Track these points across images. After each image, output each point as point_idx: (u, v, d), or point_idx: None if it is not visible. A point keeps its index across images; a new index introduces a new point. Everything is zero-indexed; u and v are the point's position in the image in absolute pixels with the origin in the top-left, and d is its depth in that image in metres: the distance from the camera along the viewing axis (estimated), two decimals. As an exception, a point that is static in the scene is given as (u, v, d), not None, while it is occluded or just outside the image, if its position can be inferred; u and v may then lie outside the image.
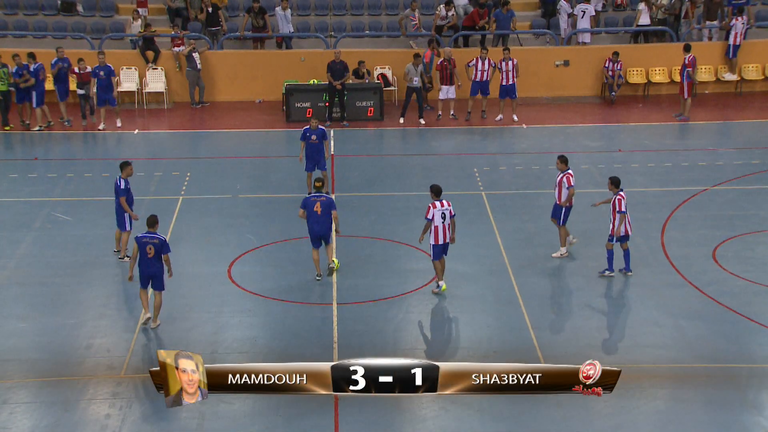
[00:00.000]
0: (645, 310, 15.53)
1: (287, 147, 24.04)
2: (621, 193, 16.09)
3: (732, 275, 16.58)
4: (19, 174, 21.14)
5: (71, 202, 19.65)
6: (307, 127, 19.68)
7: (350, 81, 25.62)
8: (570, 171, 16.96)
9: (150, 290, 14.77)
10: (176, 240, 17.30)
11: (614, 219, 16.11)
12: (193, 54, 25.75)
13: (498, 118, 25.24)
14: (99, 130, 24.16)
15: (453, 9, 27.36)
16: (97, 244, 17.57)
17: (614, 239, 16.18)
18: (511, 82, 24.92)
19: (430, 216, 15.48)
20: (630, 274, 16.40)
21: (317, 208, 15.93)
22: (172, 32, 26.69)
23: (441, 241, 15.56)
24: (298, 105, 25.08)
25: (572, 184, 16.88)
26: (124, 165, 16.77)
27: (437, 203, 15.50)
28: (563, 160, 17.02)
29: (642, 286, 16.27)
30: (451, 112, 25.39)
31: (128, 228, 16.68)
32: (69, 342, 14.42)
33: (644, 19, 27.66)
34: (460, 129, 24.89)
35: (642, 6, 27.55)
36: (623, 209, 16.00)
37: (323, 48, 27.03)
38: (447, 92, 25.09)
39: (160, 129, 24.91)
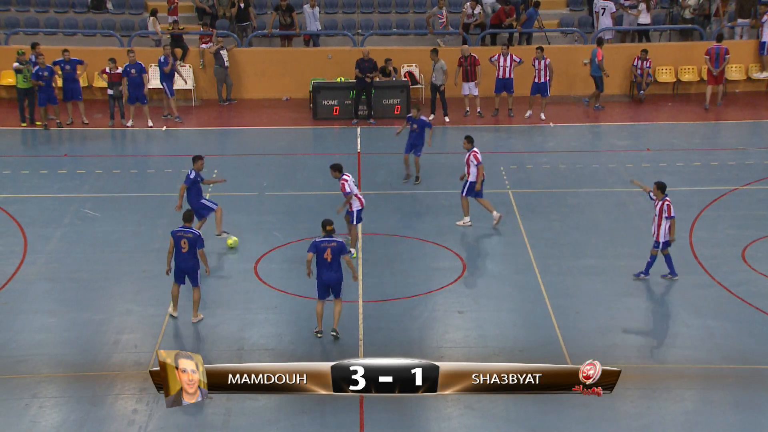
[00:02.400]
0: (673, 310, 15.43)
1: (314, 144, 24.10)
2: (667, 198, 15.85)
3: (762, 275, 16.43)
4: (49, 170, 21.32)
5: (100, 198, 19.78)
6: (410, 114, 20.28)
7: (377, 79, 25.61)
8: (476, 149, 18.04)
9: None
10: (203, 237, 17.34)
11: (659, 225, 15.78)
12: (221, 51, 25.84)
13: (527, 114, 25.16)
14: (127, 127, 24.30)
15: (480, 7, 27.29)
16: (125, 240, 17.68)
17: (659, 245, 15.93)
18: (543, 80, 24.85)
19: (348, 190, 16.54)
20: (677, 278, 16.18)
21: (327, 255, 14.09)
22: (201, 29, 26.80)
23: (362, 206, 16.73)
24: (325, 103, 25.12)
25: (480, 161, 17.94)
26: (196, 158, 17.35)
27: (345, 176, 16.66)
28: (469, 140, 18.18)
29: (670, 286, 16.15)
30: (477, 110, 25.34)
31: (210, 210, 17.31)
32: (97, 337, 14.53)
33: (644, 18, 27.47)
34: (487, 127, 24.81)
35: (641, 6, 27.34)
36: (673, 214, 15.77)
37: (350, 46, 27.04)
38: (469, 89, 25.10)
39: (187, 126, 25.02)
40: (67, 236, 17.98)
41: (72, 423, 12.46)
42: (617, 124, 25.26)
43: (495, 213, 18.32)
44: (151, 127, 24.27)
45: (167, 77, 24.59)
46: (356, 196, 16.79)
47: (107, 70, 24.07)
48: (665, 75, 27.30)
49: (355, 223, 17.05)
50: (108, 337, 14.52)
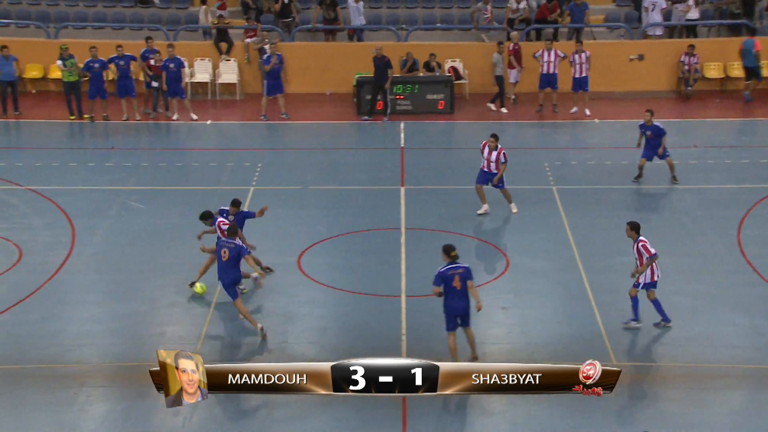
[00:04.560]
0: (720, 309, 15.23)
1: (357, 139, 24.11)
2: (642, 238, 14.32)
3: (811, 275, 16.17)
4: (96, 163, 21.56)
5: (145, 190, 19.98)
6: (642, 122, 20.13)
7: (421, 74, 25.59)
8: (500, 146, 18.21)
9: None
10: (246, 231, 17.44)
11: (641, 263, 14.30)
12: (265, 47, 25.95)
13: (572, 110, 25.01)
14: (173, 120, 24.51)
15: (525, 2, 27.14)
16: (169, 232, 17.82)
17: (639, 286, 14.46)
18: (583, 75, 24.71)
19: None
20: (670, 324, 14.60)
21: (456, 282, 13.05)
22: (245, 24, 26.94)
23: None
24: (369, 97, 25.11)
25: (506, 159, 18.25)
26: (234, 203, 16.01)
27: None
28: (495, 137, 18.31)
29: (717, 285, 15.95)
30: (513, 97, 25.56)
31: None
32: (143, 328, 14.68)
33: (693, 14, 27.16)
34: (531, 123, 24.68)
35: (690, 1, 27.03)
36: (653, 252, 14.21)
37: (395, 41, 27.02)
38: (515, 76, 25.54)
39: (231, 120, 25.17)
40: (113, 228, 18.17)
41: (119, 413, 12.60)
42: (664, 120, 24.93)
43: (514, 205, 18.62)
44: (195, 120, 24.44)
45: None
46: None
47: (152, 62, 24.26)
48: (713, 71, 26.93)
49: None
50: (153, 329, 14.66)
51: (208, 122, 24.65)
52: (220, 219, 15.29)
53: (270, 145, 23.41)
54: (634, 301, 14.53)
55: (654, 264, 14.29)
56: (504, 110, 25.22)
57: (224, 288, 14.57)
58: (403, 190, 19.95)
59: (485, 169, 18.47)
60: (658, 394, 13.09)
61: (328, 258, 17.09)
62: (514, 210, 18.66)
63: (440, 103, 25.27)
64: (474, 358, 13.46)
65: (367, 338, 14.36)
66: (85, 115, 24.34)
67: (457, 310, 13.11)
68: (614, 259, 16.83)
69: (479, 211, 18.60)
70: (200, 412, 12.59)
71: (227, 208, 15.72)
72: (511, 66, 25.44)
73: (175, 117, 24.55)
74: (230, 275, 14.33)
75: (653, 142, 20.00)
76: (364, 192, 19.95)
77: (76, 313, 15.01)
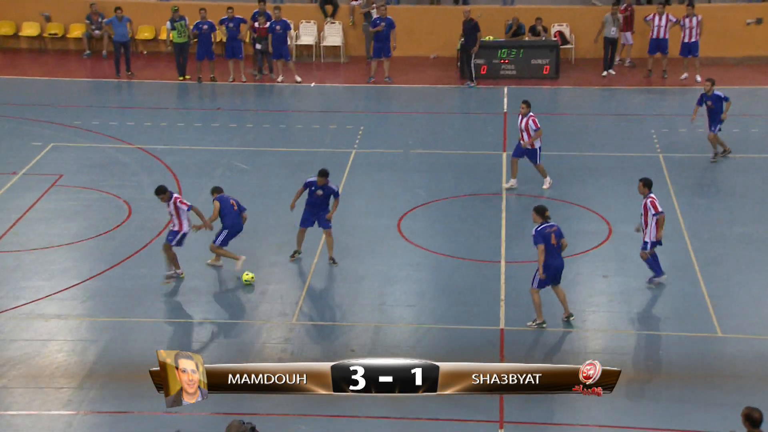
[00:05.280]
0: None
1: (460, 104, 23.98)
2: (651, 195, 14.46)
3: None
4: (203, 123, 22.00)
5: (249, 151, 20.31)
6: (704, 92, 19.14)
7: (527, 38, 25.24)
8: (532, 114, 17.58)
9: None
10: (348, 193, 17.61)
11: (647, 224, 14.37)
12: (372, 11, 25.94)
13: (683, 77, 24.32)
14: (278, 82, 24.78)
15: (637, -36, 26.44)
16: (272, 194, 18.09)
17: (647, 246, 14.43)
18: (693, 39, 23.98)
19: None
20: (661, 279, 14.60)
21: (553, 240, 13.34)
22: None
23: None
24: (473, 62, 24.87)
25: (538, 126, 17.49)
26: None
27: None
28: (527, 104, 17.73)
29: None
30: (628, 60, 25.09)
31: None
32: (246, 287, 14.97)
33: None
34: (639, 89, 24.10)
35: None
36: (660, 209, 14.30)
37: (500, 4, 26.67)
38: (627, 38, 25.09)
39: (335, 83, 25.31)
40: (218, 188, 18.52)
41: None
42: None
43: (548, 179, 18.01)
44: (299, 82, 24.67)
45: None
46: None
47: (256, 24, 24.54)
48: (834, 36, 25.78)
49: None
50: (255, 287, 14.95)
51: (312, 84, 24.84)
52: (177, 196, 14.90)
53: (373, 108, 23.48)
54: (650, 261, 14.54)
55: (660, 221, 14.28)
56: (612, 72, 24.69)
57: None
58: (504, 155, 19.79)
59: (521, 141, 17.85)
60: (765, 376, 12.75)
61: (427, 222, 17.11)
62: (546, 186, 18.00)
63: (545, 68, 24.89)
64: (569, 315, 13.65)
65: (466, 303, 14.36)
66: (188, 76, 24.77)
67: (557, 266, 13.43)
68: (722, 228, 16.40)
69: (507, 185, 18.03)
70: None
71: (314, 179, 15.34)
72: (624, 29, 24.83)
73: (279, 79, 24.82)
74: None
75: (715, 112, 18.90)
76: (466, 157, 19.86)
77: (184, 270, 15.38)
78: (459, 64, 25.29)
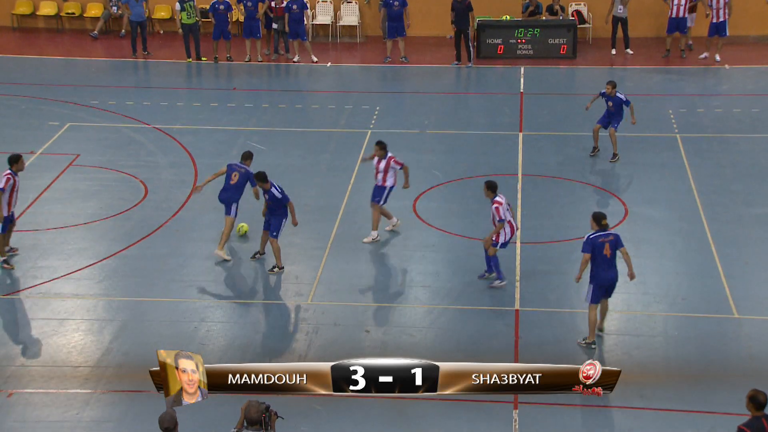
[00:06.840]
0: None
1: (476, 84, 23.88)
2: (497, 198, 13.84)
3: None
4: (219, 103, 22.01)
5: (265, 131, 20.31)
6: (603, 90, 18.29)
7: (544, 17, 25.06)
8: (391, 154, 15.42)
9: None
10: (362, 174, 17.59)
11: (494, 224, 13.88)
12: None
13: (702, 56, 24.11)
14: (294, 62, 24.74)
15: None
16: (288, 174, 18.06)
17: (497, 245, 13.94)
18: (722, 20, 23.71)
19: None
20: (503, 284, 14.14)
21: (607, 250, 12.47)
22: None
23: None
24: (490, 41, 24.77)
25: (402, 164, 15.47)
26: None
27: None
28: (382, 146, 15.40)
29: None
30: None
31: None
32: (260, 267, 15.02)
33: None
34: (657, 68, 23.92)
35: None
36: (502, 217, 13.76)
37: (517, -17, 26.50)
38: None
39: (351, 62, 25.24)
40: (234, 168, 18.53)
41: (237, 348, 12.96)
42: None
43: (375, 233, 15.62)
44: (315, 62, 24.61)
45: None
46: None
47: (273, 4, 24.48)
48: None
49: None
50: (270, 268, 14.97)
51: (328, 64, 24.78)
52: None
53: (389, 88, 23.41)
54: (494, 260, 14.08)
55: (508, 225, 13.74)
56: (630, 51, 24.45)
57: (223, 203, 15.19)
58: (521, 135, 19.72)
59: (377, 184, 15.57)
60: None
61: (443, 202, 17.09)
62: (369, 239, 15.58)
63: (562, 47, 24.73)
64: (600, 330, 12.99)
65: (480, 284, 14.35)
66: (203, 57, 24.73)
67: (608, 279, 12.58)
68: (740, 209, 16.31)
69: (386, 228, 15.85)
70: (314, 350, 12.85)
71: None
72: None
73: (295, 59, 24.78)
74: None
75: (614, 114, 18.04)
76: (482, 137, 19.80)
77: (198, 250, 15.45)
78: (475, 43, 25.10)
